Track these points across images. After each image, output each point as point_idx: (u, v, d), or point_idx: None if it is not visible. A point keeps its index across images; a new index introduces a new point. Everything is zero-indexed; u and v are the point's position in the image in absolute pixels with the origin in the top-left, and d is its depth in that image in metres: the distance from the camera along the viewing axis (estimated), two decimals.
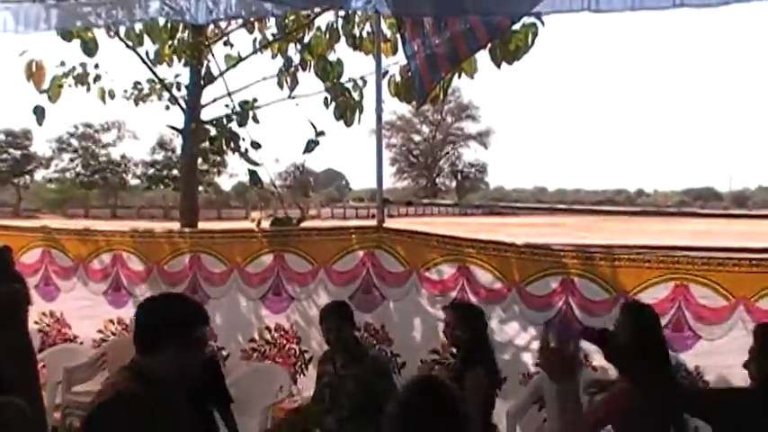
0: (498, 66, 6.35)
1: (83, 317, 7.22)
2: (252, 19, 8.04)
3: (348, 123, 7.99)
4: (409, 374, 5.91)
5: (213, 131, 8.48)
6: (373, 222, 6.44)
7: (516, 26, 5.97)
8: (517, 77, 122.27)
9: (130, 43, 8.23)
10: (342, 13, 7.76)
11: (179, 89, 8.58)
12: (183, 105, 8.59)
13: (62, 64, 8.18)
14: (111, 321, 7.11)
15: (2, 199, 67.69)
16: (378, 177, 6.51)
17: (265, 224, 7.26)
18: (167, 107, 8.71)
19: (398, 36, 6.43)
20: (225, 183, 72.51)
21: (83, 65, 8.23)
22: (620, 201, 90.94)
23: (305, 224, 7.32)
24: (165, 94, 8.67)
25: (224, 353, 6.54)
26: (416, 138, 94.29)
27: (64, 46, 7.79)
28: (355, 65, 8.17)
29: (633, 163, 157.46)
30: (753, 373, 3.55)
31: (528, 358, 5.67)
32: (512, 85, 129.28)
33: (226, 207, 67.48)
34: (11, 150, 69.48)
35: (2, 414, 3.28)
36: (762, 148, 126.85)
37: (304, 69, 8.27)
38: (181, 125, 8.71)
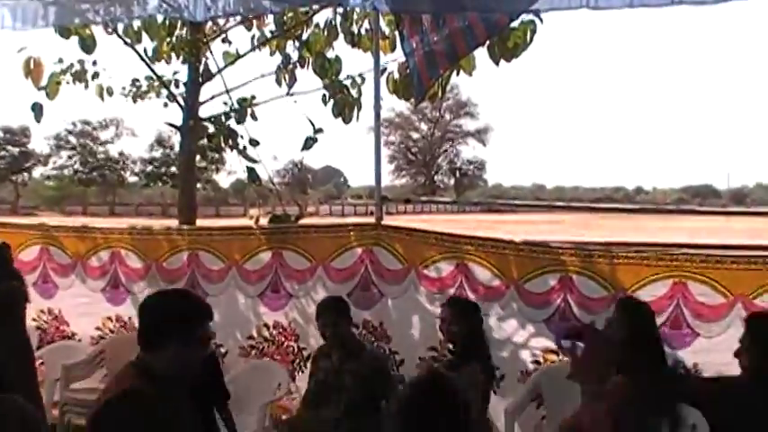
0: (497, 63, 6.36)
1: (81, 314, 7.22)
2: (250, 16, 8.03)
3: (346, 120, 7.98)
4: (407, 372, 5.92)
5: (211, 129, 8.48)
6: (372, 220, 6.43)
7: (515, 23, 5.98)
8: (515, 75, 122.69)
9: (128, 40, 8.20)
10: (340, 10, 7.75)
11: (177, 86, 8.56)
12: (182, 102, 8.57)
13: (60, 61, 8.17)
14: (110, 318, 7.11)
15: (0, 196, 67.63)
16: (376, 174, 6.50)
17: (264, 221, 7.25)
18: (165, 104, 8.69)
19: (397, 33, 6.43)
20: (223, 180, 72.67)
21: (81, 62, 8.22)
22: (618, 198, 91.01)
23: (303, 221, 7.30)
24: (164, 92, 8.65)
25: (222, 350, 6.53)
26: (415, 135, 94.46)
27: (62, 43, 7.79)
28: (354, 62, 8.17)
29: (632, 160, 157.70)
30: (744, 362, 3.55)
31: (526, 356, 5.68)
32: (510, 82, 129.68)
33: (224, 204, 67.58)
34: (9, 147, 69.49)
35: (2, 412, 3.28)
36: (760, 145, 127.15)
37: (302, 66, 8.25)
38: (179, 122, 8.70)
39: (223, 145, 8.44)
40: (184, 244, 6.87)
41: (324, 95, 8.03)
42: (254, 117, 8.37)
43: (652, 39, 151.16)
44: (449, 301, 5.14)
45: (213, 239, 6.82)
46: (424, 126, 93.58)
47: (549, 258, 5.61)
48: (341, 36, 7.96)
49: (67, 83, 8.22)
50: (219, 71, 8.52)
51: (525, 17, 5.98)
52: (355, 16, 7.85)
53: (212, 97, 8.58)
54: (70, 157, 73.41)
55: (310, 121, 7.91)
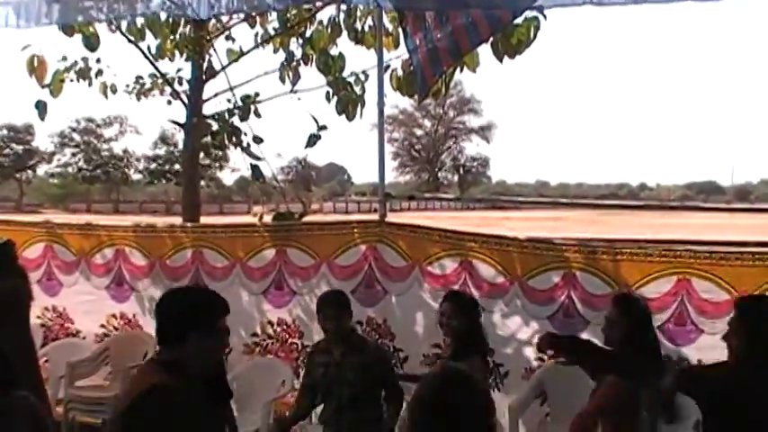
0: (500, 60, 6.35)
1: (85, 312, 7.23)
2: (253, 13, 8.03)
3: (350, 117, 7.97)
4: (411, 369, 5.93)
5: (215, 126, 8.47)
6: (375, 217, 6.44)
7: (518, 20, 5.96)
8: (519, 71, 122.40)
9: (132, 38, 8.21)
10: (343, 7, 7.74)
11: (181, 84, 8.55)
12: (185, 100, 8.57)
13: (64, 59, 8.17)
14: (114, 316, 7.12)
15: (4, 194, 67.79)
16: (380, 171, 6.50)
17: (267, 218, 7.26)
18: (169, 102, 8.69)
19: (400, 30, 6.42)
20: (227, 177, 72.76)
21: (84, 59, 8.22)
22: (622, 195, 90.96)
23: (307, 218, 7.30)
24: (167, 89, 8.65)
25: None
26: (418, 132, 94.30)
27: (66, 41, 7.79)
28: (357, 59, 8.16)
29: (636, 157, 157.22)
30: (734, 347, 3.52)
31: (530, 352, 5.68)
32: (514, 78, 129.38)
33: (228, 202, 67.60)
34: (13, 145, 69.58)
35: (13, 409, 3.30)
36: (765, 141, 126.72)
37: (306, 64, 8.25)
38: (183, 120, 8.70)
39: (227, 142, 8.43)
40: (188, 241, 6.88)
41: (327, 92, 8.02)
42: (257, 114, 8.36)
43: (656, 35, 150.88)
44: (448, 296, 5.14)
45: (217, 237, 6.82)
46: (427, 123, 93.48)
47: (552, 255, 5.61)
48: (344, 33, 7.95)
49: (71, 80, 8.22)
50: (223, 68, 8.51)
51: (529, 13, 5.96)
52: (359, 13, 7.85)
53: (216, 95, 8.58)
54: (74, 155, 73.50)
55: (314, 118, 7.92)
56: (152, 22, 8.03)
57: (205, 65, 8.55)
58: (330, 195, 76.88)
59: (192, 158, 9.31)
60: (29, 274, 6.30)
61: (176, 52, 8.42)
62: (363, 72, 7.94)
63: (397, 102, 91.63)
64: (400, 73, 7.39)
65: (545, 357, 5.57)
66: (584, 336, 5.40)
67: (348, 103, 7.92)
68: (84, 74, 8.25)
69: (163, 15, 7.59)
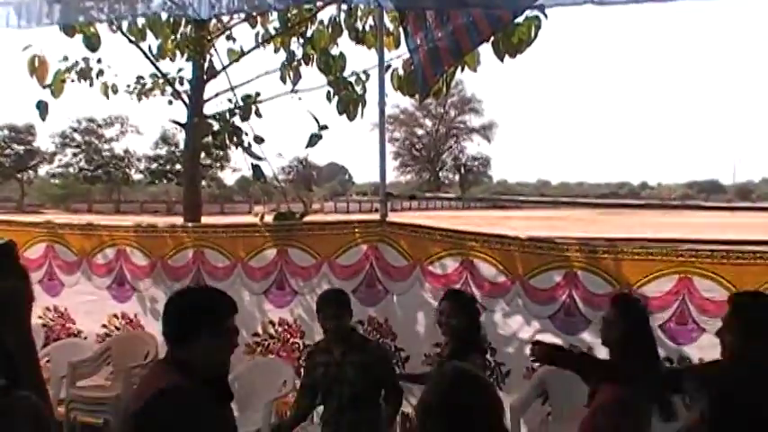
0: (501, 59, 6.34)
1: (87, 312, 7.23)
2: (254, 13, 8.03)
3: (351, 117, 7.97)
4: (413, 368, 5.93)
5: (216, 126, 8.47)
6: (376, 216, 6.44)
7: (519, 19, 5.95)
8: (520, 71, 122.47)
9: (133, 38, 8.21)
10: (344, 6, 7.75)
11: (182, 84, 8.56)
12: (186, 100, 8.57)
13: (65, 59, 8.18)
14: (116, 316, 7.12)
15: (5, 194, 67.82)
16: (381, 171, 6.49)
17: (268, 218, 7.25)
18: (170, 102, 8.70)
19: (401, 29, 6.43)
20: (228, 177, 72.78)
21: (85, 60, 8.23)
22: (623, 194, 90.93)
23: (308, 218, 7.30)
24: (168, 89, 8.65)
25: None
26: (419, 131, 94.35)
27: (66, 41, 7.80)
28: (358, 59, 8.15)
29: (637, 156, 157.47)
30: (727, 343, 3.51)
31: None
32: (515, 78, 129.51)
33: (229, 202, 67.62)
34: (14, 146, 69.65)
35: (16, 409, 3.30)
36: (766, 140, 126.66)
37: (307, 63, 8.25)
38: (184, 120, 8.70)
39: (228, 142, 8.43)
40: (189, 241, 6.88)
41: (328, 92, 8.02)
42: (258, 114, 8.37)
43: (657, 34, 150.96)
44: (447, 295, 5.13)
45: (218, 237, 6.82)
46: (428, 122, 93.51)
47: (554, 254, 5.61)
48: (345, 33, 7.95)
49: (72, 81, 8.23)
50: (224, 68, 8.51)
51: (529, 13, 5.96)
52: (359, 13, 7.85)
53: (217, 95, 8.59)
54: (75, 155, 73.57)
55: (315, 117, 7.91)
56: (153, 22, 8.03)
57: (206, 65, 8.55)
58: (331, 195, 76.94)
59: (193, 158, 9.31)
60: (30, 275, 6.29)
61: (177, 52, 8.43)
62: (364, 72, 7.95)
63: (398, 101, 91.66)
64: (401, 72, 7.39)
65: None
66: (586, 335, 5.42)
67: (349, 102, 7.92)
68: (85, 74, 8.25)
69: (164, 15, 7.60)
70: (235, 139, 8.29)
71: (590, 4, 4.35)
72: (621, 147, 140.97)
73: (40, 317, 7.10)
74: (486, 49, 6.36)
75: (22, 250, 6.74)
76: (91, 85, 8.35)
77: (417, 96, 7.27)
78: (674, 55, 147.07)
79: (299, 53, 8.28)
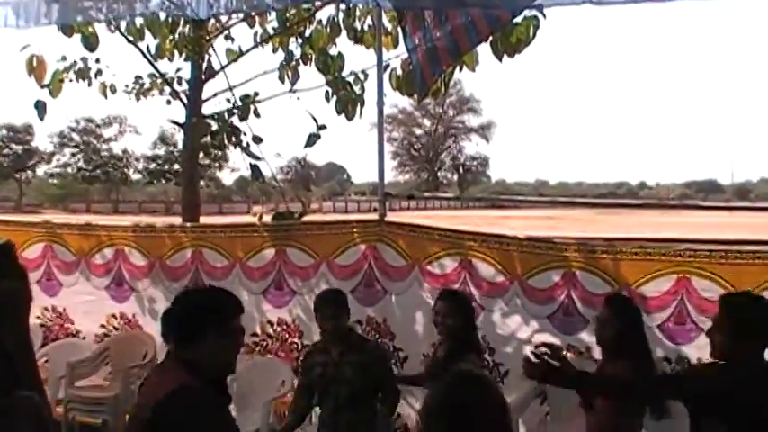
0: (500, 59, 6.35)
1: (85, 312, 7.24)
2: (253, 13, 8.03)
3: (349, 117, 7.97)
4: (411, 368, 5.92)
5: (214, 126, 8.47)
6: (375, 216, 6.44)
7: (517, 19, 5.96)
8: (518, 70, 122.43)
9: (131, 38, 8.22)
10: (343, 6, 7.75)
11: (180, 84, 8.57)
12: (185, 100, 8.58)
13: (63, 59, 8.18)
14: (114, 316, 7.12)
15: (4, 194, 67.79)
16: (379, 171, 6.49)
17: (267, 218, 7.25)
18: (168, 102, 8.71)
19: (399, 29, 6.42)
20: (226, 177, 72.86)
21: (84, 59, 8.23)
22: (621, 194, 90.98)
23: (306, 218, 7.30)
24: (167, 89, 8.66)
25: None
26: (418, 131, 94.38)
27: (65, 41, 7.81)
28: (356, 58, 8.17)
29: (635, 156, 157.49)
30: (717, 342, 3.50)
31: (530, 352, 5.66)
32: (513, 78, 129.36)
33: (227, 201, 67.59)
34: (12, 145, 69.60)
35: (18, 409, 3.29)
36: (764, 140, 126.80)
37: (305, 63, 8.25)
38: (182, 120, 8.71)
39: (226, 142, 8.43)
40: (188, 241, 6.88)
41: (327, 92, 8.03)
42: (256, 114, 8.37)
43: (655, 34, 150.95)
44: (442, 294, 5.11)
45: (217, 237, 6.82)
46: (427, 122, 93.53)
47: (552, 254, 5.61)
48: (343, 33, 7.97)
49: (70, 81, 8.23)
50: (222, 68, 8.52)
51: (528, 12, 5.97)
52: (358, 13, 7.86)
53: (215, 94, 8.59)
54: (74, 155, 73.53)
55: (313, 117, 7.92)
56: (151, 22, 8.04)
57: (204, 65, 8.56)
58: (329, 195, 76.92)
59: (192, 158, 9.32)
60: (29, 275, 6.29)
61: (175, 52, 8.43)
62: (363, 71, 7.96)
63: (397, 101, 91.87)
64: (399, 72, 7.39)
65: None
66: (584, 334, 5.42)
67: (347, 102, 7.93)
68: (83, 74, 8.25)
69: (162, 15, 7.60)
70: (233, 138, 8.30)
71: (588, 3, 4.35)
72: (620, 147, 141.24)
73: (38, 317, 7.10)
74: (484, 49, 6.38)
75: (20, 250, 6.75)
76: (89, 84, 8.35)
77: (416, 96, 7.27)
78: (672, 55, 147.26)
79: (297, 53, 8.30)
